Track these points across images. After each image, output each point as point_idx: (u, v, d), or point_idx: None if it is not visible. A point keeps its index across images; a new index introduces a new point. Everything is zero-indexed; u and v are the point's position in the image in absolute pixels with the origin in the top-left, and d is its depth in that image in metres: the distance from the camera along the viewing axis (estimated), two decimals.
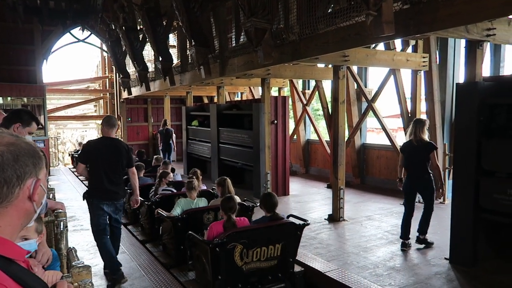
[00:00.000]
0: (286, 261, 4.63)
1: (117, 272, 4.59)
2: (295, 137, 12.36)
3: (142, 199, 5.75)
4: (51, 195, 3.69)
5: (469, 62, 4.85)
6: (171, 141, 13.56)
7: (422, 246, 5.56)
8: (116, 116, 17.07)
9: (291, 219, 4.79)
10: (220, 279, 4.17)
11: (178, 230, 4.98)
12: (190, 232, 4.54)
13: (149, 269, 4.95)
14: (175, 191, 6.29)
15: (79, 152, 5.16)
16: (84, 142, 7.36)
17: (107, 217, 4.71)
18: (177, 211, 5.14)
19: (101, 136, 5.00)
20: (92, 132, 28.49)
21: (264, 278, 4.46)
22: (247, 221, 4.71)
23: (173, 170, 6.84)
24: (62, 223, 2.76)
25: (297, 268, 4.87)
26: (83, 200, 4.80)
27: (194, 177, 5.99)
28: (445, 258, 5.10)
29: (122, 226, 5.37)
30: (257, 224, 4.68)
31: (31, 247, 1.78)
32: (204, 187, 6.39)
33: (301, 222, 4.68)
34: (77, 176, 12.76)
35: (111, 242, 4.73)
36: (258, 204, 4.94)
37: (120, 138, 5.79)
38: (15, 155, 1.07)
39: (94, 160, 4.62)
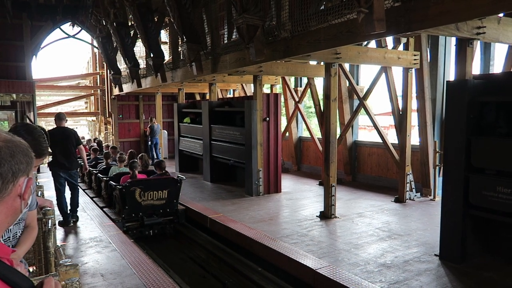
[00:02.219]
0: (171, 201, 7.52)
1: (66, 220, 6.84)
2: (287, 134, 12.37)
3: (91, 168, 9.54)
4: (39, 193, 3.64)
5: (460, 60, 4.88)
6: (156, 137, 14.12)
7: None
8: (107, 113, 17.00)
9: (172, 175, 7.98)
10: (127, 208, 7.12)
11: (110, 185, 7.99)
12: (110, 182, 7.93)
13: (140, 267, 4.92)
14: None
15: None
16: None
17: (65, 181, 6.84)
18: (109, 173, 8.58)
19: (56, 126, 6.83)
20: (83, 129, 28.26)
21: (157, 211, 7.40)
22: (145, 176, 7.84)
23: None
24: (50, 221, 2.73)
25: (181, 207, 7.84)
26: (48, 169, 7.11)
27: (135, 158, 8.29)
28: (435, 255, 5.14)
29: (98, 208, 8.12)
30: (151, 177, 7.79)
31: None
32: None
33: (180, 177, 7.63)
34: None
35: (71, 197, 6.99)
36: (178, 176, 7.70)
37: (73, 128, 7.72)
38: (12, 151, 1.08)
39: (54, 143, 5.95)
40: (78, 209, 7.15)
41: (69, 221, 6.83)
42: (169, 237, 7.54)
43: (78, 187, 7.34)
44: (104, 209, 8.05)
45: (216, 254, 6.52)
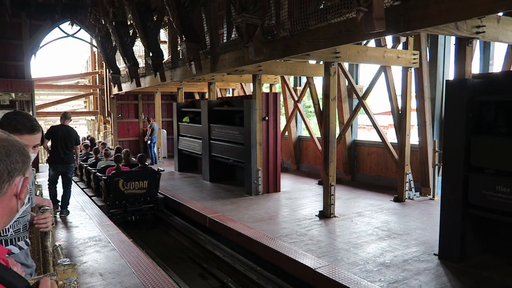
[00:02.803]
0: (151, 191, 8.56)
1: (56, 205, 7.37)
2: (286, 133, 12.36)
3: (82, 162, 10.76)
4: (38, 192, 3.63)
5: (459, 59, 4.87)
6: (154, 136, 14.23)
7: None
8: (106, 112, 16.99)
9: (152, 167, 9.14)
10: (111, 196, 8.12)
11: (96, 176, 9.05)
12: (97, 173, 8.92)
13: (139, 267, 4.92)
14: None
15: (45, 133, 7.21)
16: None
17: (59, 175, 7.47)
18: (97, 166, 9.55)
19: (60, 123, 7.55)
20: (82, 128, 28.23)
21: (138, 199, 8.40)
22: (128, 168, 8.74)
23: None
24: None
25: (160, 196, 8.89)
26: (46, 162, 7.84)
27: (120, 153, 9.29)
28: (434, 254, 5.14)
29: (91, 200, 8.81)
30: (133, 169, 8.75)
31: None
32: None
33: (159, 170, 8.66)
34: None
35: (64, 193, 7.47)
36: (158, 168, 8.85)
37: (74, 127, 8.38)
38: (8, 150, 1.06)
39: (54, 138, 7.19)
40: (68, 205, 7.67)
41: (57, 206, 7.44)
42: (150, 222, 8.68)
43: (72, 182, 7.82)
44: (92, 198, 9.09)
45: (214, 253, 6.51)
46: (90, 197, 9.14)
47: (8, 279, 1.01)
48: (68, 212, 7.51)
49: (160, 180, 8.70)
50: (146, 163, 8.96)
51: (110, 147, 13.35)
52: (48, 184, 7.57)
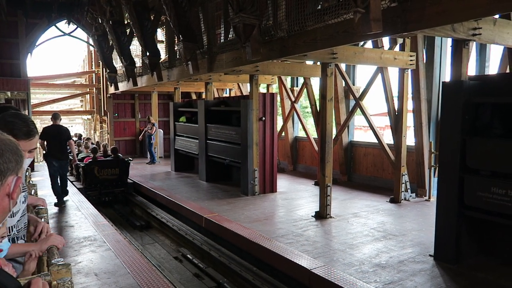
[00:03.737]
0: (122, 176, 10.45)
1: (60, 200, 8.14)
2: (283, 134, 12.37)
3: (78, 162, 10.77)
4: (33, 191, 3.61)
5: (455, 61, 4.89)
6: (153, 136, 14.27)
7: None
8: (103, 111, 16.93)
9: (124, 157, 11.13)
10: (87, 180, 10.05)
11: (76, 164, 10.72)
12: (77, 162, 10.14)
13: (134, 267, 4.90)
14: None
15: (40, 133, 7.30)
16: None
17: (57, 170, 8.06)
18: (78, 157, 10.83)
19: (52, 124, 8.21)
20: (78, 127, 28.11)
21: (111, 184, 10.31)
22: (102, 157, 10.60)
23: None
24: (43, 219, 2.70)
25: (130, 181, 10.81)
26: (43, 160, 8.73)
27: (98, 147, 11.87)
28: (430, 255, 5.15)
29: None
30: (106, 159, 10.58)
31: (2, 246, 1.75)
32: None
33: (128, 159, 10.85)
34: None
35: (60, 185, 8.17)
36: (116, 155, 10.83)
37: (65, 126, 8.82)
38: (1, 150, 1.06)
39: (49, 137, 7.87)
40: (66, 196, 8.50)
41: (63, 201, 8.17)
42: (120, 202, 10.52)
43: (67, 177, 8.72)
44: (74, 182, 10.69)
45: (210, 253, 6.50)
46: (71, 182, 10.41)
47: (2, 281, 1.01)
48: (64, 202, 8.27)
49: (129, 168, 10.78)
50: (118, 154, 10.94)
51: (93, 142, 15.20)
52: (51, 182, 8.17)
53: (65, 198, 8.39)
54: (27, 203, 2.42)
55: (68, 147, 8.25)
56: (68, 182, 8.96)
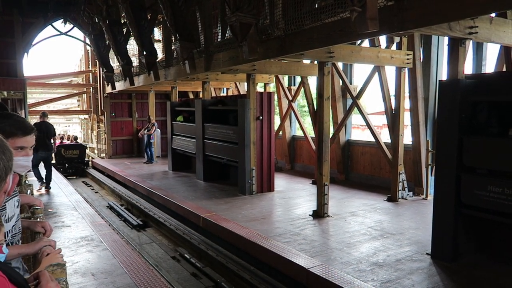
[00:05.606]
0: (81, 156, 15.45)
1: (41, 181, 9.67)
2: (280, 133, 12.37)
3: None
4: (28, 191, 3.59)
5: (452, 60, 4.89)
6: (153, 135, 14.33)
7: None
8: (100, 111, 16.89)
9: (82, 143, 17.02)
10: (57, 158, 14.64)
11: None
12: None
13: (131, 266, 4.88)
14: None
15: None
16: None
17: (41, 160, 9.49)
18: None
19: (41, 120, 9.64)
20: (75, 127, 28.02)
21: (73, 161, 15.30)
22: (68, 143, 16.69)
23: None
24: (39, 219, 2.68)
25: (87, 160, 16.00)
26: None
27: (67, 138, 17.40)
28: (427, 254, 5.16)
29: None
30: (69, 143, 16.52)
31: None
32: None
33: (85, 145, 16.78)
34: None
35: (46, 173, 9.67)
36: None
37: (49, 122, 10.12)
38: (1, 148, 1.08)
39: (39, 132, 7.86)
40: (50, 183, 9.88)
41: (42, 182, 9.66)
42: (80, 174, 15.26)
43: (51, 164, 10.13)
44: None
45: (208, 253, 6.49)
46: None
47: (13, 275, 1.05)
48: (49, 188, 9.73)
49: (86, 151, 16.10)
50: (78, 141, 16.93)
51: (70, 135, 19.98)
52: (32, 167, 8.87)
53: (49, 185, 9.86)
54: (23, 202, 2.41)
55: (52, 141, 9.79)
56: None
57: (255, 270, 5.59)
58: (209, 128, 10.31)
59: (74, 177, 15.04)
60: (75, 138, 17.21)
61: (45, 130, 9.32)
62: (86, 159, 15.82)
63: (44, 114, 9.88)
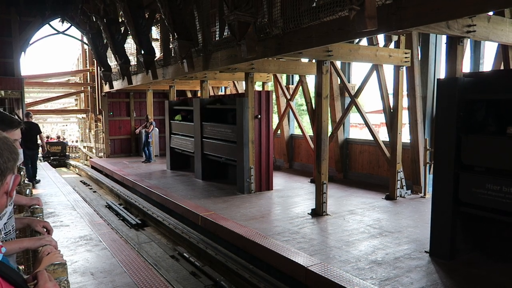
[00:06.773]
0: (63, 150, 20.95)
1: (32, 181, 9.84)
2: (278, 132, 12.37)
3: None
4: (27, 191, 3.58)
5: (450, 58, 4.91)
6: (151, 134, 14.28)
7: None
8: (97, 110, 16.85)
9: (63, 141, 23.05)
10: (45, 152, 17.22)
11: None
12: (46, 150, 16.23)
13: (131, 266, 4.88)
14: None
15: None
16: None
17: (29, 158, 9.84)
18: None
19: (26, 120, 9.99)
20: (73, 126, 27.97)
21: (57, 154, 20.60)
22: (55, 139, 23.11)
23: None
24: (38, 218, 2.68)
25: (67, 154, 21.46)
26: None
27: (56, 138, 22.78)
28: (425, 252, 5.18)
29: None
30: (53, 140, 22.16)
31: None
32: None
33: (65, 141, 23.40)
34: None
35: (31, 169, 10.07)
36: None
37: (35, 122, 10.88)
38: (0, 149, 1.07)
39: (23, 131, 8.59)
40: (36, 176, 10.52)
41: (34, 182, 10.02)
42: (62, 165, 19.37)
43: (37, 161, 10.91)
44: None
45: (207, 252, 6.50)
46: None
47: (11, 275, 1.04)
48: (38, 181, 10.47)
49: (66, 147, 21.15)
50: (60, 139, 21.88)
51: (59, 135, 25.37)
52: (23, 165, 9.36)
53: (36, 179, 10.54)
54: (19, 203, 2.41)
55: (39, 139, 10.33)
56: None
57: (254, 269, 5.60)
58: (207, 127, 10.30)
59: (57, 168, 17.49)
60: (58, 137, 23.15)
61: (29, 130, 9.61)
62: (67, 153, 20.90)
63: (28, 115, 10.47)
